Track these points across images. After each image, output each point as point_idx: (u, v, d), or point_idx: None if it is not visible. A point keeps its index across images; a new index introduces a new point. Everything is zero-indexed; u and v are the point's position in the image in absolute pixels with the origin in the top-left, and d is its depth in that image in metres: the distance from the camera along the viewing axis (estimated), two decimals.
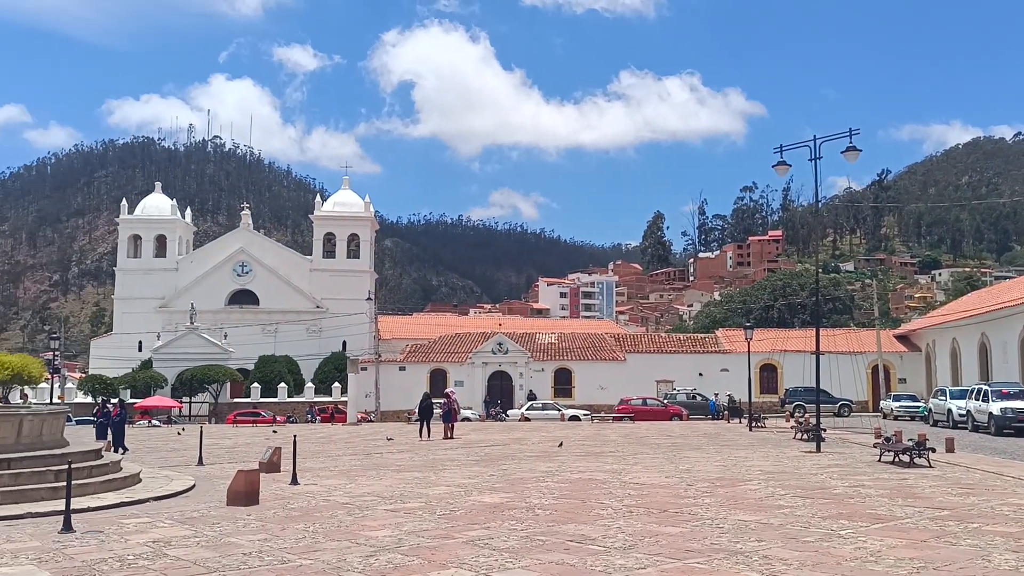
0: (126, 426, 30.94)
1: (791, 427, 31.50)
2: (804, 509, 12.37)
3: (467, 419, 46.60)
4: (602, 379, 57.86)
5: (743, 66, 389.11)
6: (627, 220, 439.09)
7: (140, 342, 73.12)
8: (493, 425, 44.77)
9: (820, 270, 55.10)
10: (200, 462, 21.23)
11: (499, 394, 58.23)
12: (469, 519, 11.80)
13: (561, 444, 26.06)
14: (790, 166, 25.95)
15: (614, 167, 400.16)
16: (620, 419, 45.38)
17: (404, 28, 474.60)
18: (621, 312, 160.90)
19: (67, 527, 10.95)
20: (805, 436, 27.21)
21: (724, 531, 10.56)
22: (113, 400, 37.11)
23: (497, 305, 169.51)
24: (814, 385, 27.88)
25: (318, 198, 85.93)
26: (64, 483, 12.57)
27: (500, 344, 60.00)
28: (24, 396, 57.59)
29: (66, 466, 12.52)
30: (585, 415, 48.84)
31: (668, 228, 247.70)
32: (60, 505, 12.14)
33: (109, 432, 28.65)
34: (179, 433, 34.63)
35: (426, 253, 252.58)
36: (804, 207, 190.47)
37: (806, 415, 34.12)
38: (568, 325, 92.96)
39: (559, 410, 49.48)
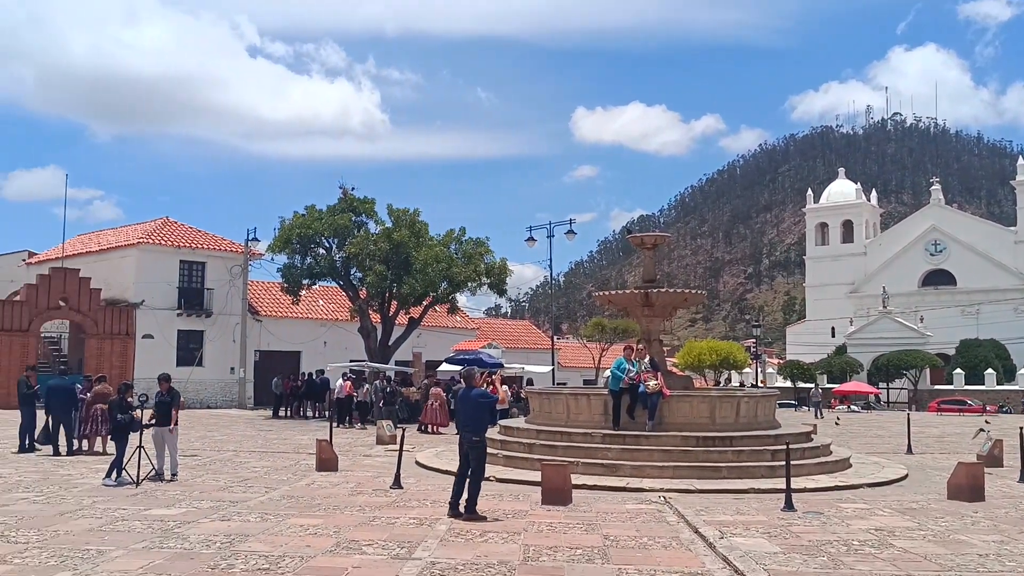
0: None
1: None
2: None
3: None
4: None
5: None
6: None
7: (832, 328, 74.24)
8: None
9: None
10: (909, 450, 20.34)
11: None
12: None
13: None
14: None
15: None
16: None
17: None
18: None
19: (788, 505, 11.34)
20: None
21: None
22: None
23: None
24: None
25: (1021, 160, 76.28)
26: (780, 462, 13.11)
27: None
28: (728, 380, 63.27)
29: (782, 446, 13.04)
30: None
31: None
32: (777, 483, 12.69)
33: None
34: (836, 423, 33.73)
35: None
36: None
37: None
38: None
39: None
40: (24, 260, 44.72)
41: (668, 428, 15.35)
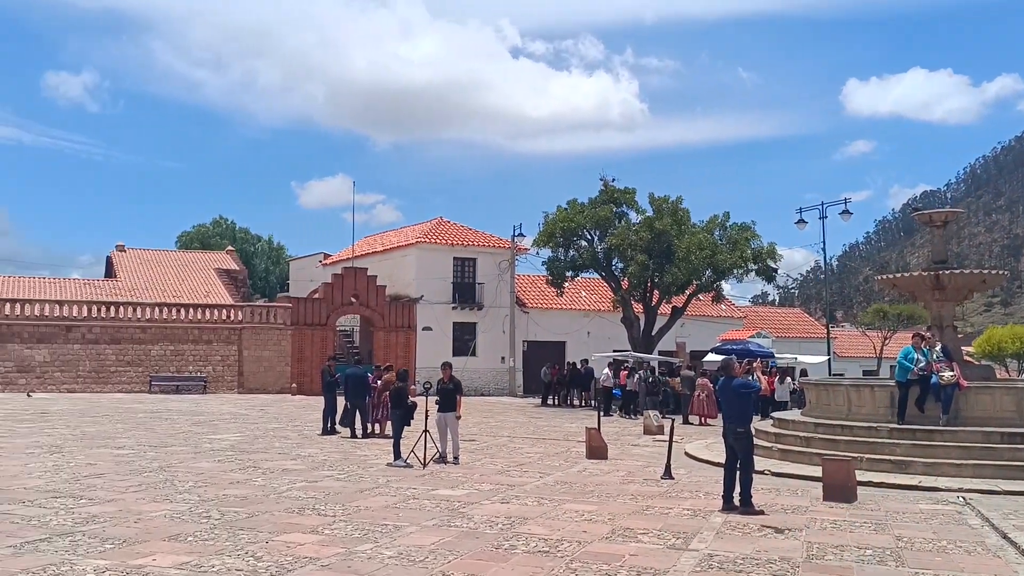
0: None
1: None
2: None
3: None
4: None
5: None
6: None
7: None
8: None
9: None
10: None
11: None
12: None
13: None
14: None
15: None
16: None
17: None
18: None
19: None
20: None
21: None
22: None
23: None
24: None
25: None
26: None
27: None
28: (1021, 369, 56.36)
29: None
30: None
31: None
32: None
33: None
34: None
35: None
36: None
37: None
38: None
39: None
40: (320, 261, 49.61)
41: (966, 423, 13.97)
